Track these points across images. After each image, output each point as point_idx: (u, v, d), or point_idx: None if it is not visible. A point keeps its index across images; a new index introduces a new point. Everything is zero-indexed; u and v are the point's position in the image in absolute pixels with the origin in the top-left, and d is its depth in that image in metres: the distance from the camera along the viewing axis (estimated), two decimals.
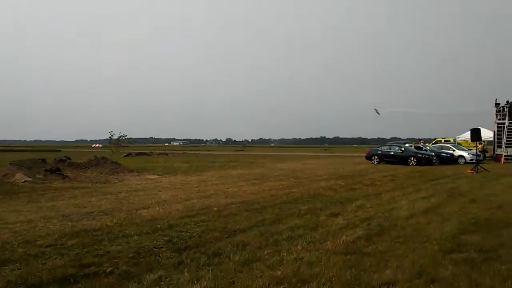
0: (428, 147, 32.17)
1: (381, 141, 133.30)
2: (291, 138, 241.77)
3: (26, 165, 17.04)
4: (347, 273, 4.88)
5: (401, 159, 28.31)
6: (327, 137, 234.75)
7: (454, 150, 30.86)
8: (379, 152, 30.47)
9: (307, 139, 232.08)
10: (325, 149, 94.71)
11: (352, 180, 17.07)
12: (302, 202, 10.83)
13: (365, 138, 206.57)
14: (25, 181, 15.05)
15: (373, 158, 30.04)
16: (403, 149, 29.25)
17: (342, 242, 6.36)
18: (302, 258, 5.52)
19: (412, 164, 27.18)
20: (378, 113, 55.96)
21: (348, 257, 5.58)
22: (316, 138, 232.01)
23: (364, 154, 32.58)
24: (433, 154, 28.96)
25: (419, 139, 45.09)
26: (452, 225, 7.68)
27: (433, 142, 39.25)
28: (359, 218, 8.49)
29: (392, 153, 29.38)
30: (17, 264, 5.14)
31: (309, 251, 5.89)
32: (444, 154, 29.88)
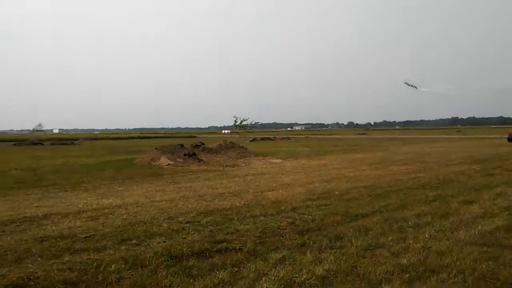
0: None
1: None
2: (418, 119, 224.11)
3: (168, 150, 19.38)
4: (483, 266, 4.51)
5: None
6: (460, 117, 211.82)
7: None
8: None
9: (436, 120, 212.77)
10: (458, 131, 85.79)
11: (490, 164, 15.31)
12: (430, 188, 10.17)
13: (508, 118, 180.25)
14: (168, 164, 17.13)
15: None
16: None
17: (478, 232, 5.87)
18: (430, 247, 5.26)
19: None
20: (413, 86, 48.43)
21: (485, 249, 5.13)
22: (447, 119, 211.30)
23: (506, 136, 28.75)
24: None
25: None
26: None
27: None
28: (498, 206, 7.68)
29: None
30: (163, 238, 5.93)
31: (439, 240, 5.56)
32: None
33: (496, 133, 54.42)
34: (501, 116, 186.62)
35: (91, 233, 6.14)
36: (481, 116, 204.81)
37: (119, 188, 11.13)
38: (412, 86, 52.41)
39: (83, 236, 6.00)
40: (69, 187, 11.53)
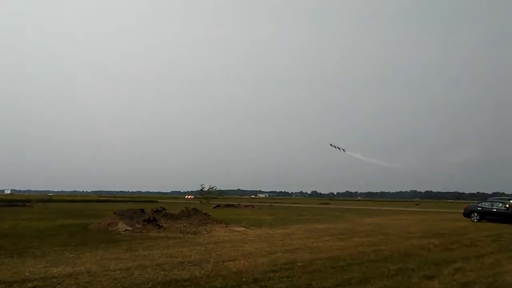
0: None
1: (481, 196, 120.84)
2: (378, 191, 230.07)
3: (127, 215, 18.64)
4: None
5: (505, 217, 25.40)
6: (418, 190, 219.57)
7: None
8: (479, 208, 27.74)
9: (395, 192, 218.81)
10: (417, 204, 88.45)
11: (448, 239, 15.70)
12: (392, 261, 10.22)
13: (462, 193, 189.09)
14: (126, 230, 16.39)
15: (473, 215, 27.42)
16: (508, 205, 26.24)
17: None
18: None
19: None
20: (339, 148, 52.14)
21: None
22: (405, 191, 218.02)
23: (462, 211, 29.87)
24: None
25: None
26: None
27: None
28: (457, 282, 7.78)
29: (495, 210, 26.57)
30: None
31: None
32: None
33: (451, 208, 56.53)
34: (456, 191, 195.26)
35: None
36: (437, 190, 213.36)
37: (71, 255, 10.45)
38: (338, 148, 55.53)
39: None
40: (16, 253, 10.71)
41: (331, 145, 56.84)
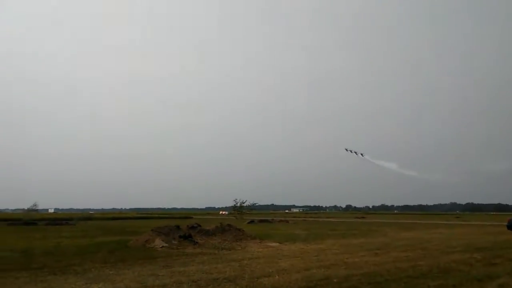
0: None
1: None
2: (416, 204, 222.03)
3: (164, 232, 19.07)
4: None
5: None
6: (458, 203, 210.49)
7: None
8: None
9: (435, 205, 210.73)
10: (457, 217, 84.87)
11: (491, 253, 15.02)
12: (432, 277, 9.92)
13: (506, 205, 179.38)
14: (163, 246, 16.77)
15: None
16: None
17: None
18: None
19: None
20: (355, 152, 49.21)
21: None
22: (445, 204, 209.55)
23: (505, 223, 28.45)
24: None
25: None
26: None
27: None
28: None
29: None
30: None
31: None
32: None
33: (494, 220, 53.90)
34: (499, 203, 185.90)
35: None
36: (478, 202, 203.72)
37: (110, 272, 10.81)
38: (355, 153, 53.46)
39: None
40: (59, 270, 11.20)
41: (346, 150, 55.11)
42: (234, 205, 64.83)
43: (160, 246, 16.84)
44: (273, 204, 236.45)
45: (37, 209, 65.56)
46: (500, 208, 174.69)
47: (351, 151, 55.68)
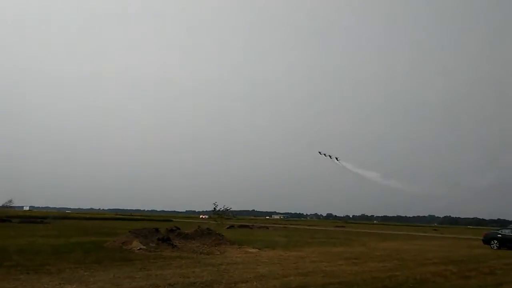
0: None
1: (502, 223, 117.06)
2: (395, 215, 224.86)
3: (142, 234, 18.78)
4: None
5: None
6: (436, 215, 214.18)
7: None
8: (500, 235, 26.94)
9: (413, 217, 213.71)
10: (435, 229, 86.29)
11: (466, 266, 15.30)
12: (408, 287, 10.02)
13: (483, 219, 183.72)
14: (140, 248, 16.50)
15: (492, 242, 26.66)
16: None
17: None
18: None
19: None
20: (328, 156, 49.65)
21: None
22: (423, 216, 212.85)
23: (481, 237, 29.06)
24: None
25: None
26: None
27: None
28: None
29: None
30: None
31: None
32: None
33: (471, 234, 55.03)
34: (476, 217, 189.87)
35: None
36: (456, 216, 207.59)
37: (85, 273, 10.58)
38: (329, 156, 53.41)
39: None
40: (32, 269, 10.90)
41: (320, 153, 54.62)
42: (214, 208, 64.31)
43: (138, 248, 16.57)
44: (254, 210, 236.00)
45: (12, 206, 63.77)
46: (477, 222, 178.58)
47: (324, 155, 55.25)
